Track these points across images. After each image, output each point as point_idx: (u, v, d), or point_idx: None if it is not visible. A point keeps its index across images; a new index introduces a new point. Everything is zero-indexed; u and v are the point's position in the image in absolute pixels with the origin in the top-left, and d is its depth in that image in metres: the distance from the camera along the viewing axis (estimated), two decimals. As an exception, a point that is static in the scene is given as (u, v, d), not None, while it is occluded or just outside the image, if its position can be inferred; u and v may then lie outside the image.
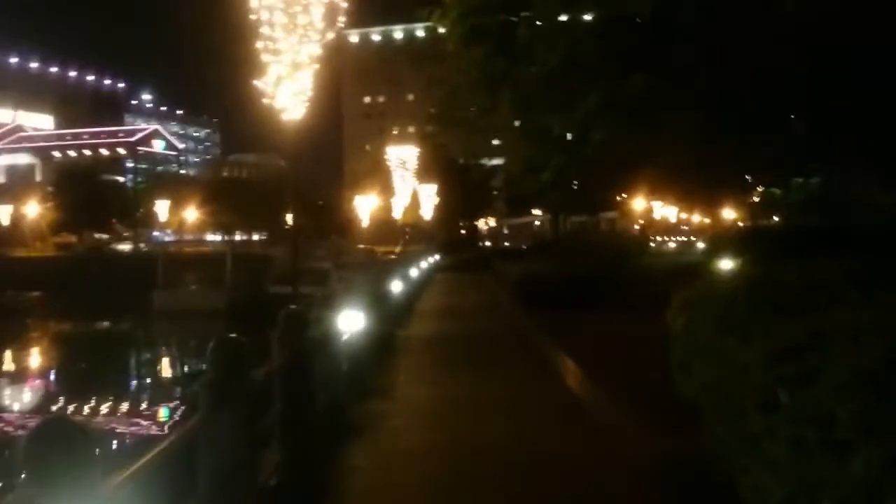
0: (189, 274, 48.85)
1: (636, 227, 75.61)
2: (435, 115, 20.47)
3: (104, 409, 23.37)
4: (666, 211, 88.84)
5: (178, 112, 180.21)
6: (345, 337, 8.75)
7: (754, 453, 4.83)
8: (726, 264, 24.88)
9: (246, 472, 4.02)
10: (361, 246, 60.56)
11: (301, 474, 5.69)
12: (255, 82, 9.61)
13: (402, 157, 48.43)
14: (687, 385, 7.64)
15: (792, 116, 24.04)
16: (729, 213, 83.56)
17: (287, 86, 9.45)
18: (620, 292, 19.85)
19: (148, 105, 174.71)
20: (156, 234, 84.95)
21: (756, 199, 55.23)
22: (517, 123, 18.90)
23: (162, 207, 69.67)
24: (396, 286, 17.14)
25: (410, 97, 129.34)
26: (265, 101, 9.69)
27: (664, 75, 12.86)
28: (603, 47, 13.43)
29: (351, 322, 8.94)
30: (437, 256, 46.41)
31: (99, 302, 48.13)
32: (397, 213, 57.45)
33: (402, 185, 49.94)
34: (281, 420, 5.76)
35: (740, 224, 72.13)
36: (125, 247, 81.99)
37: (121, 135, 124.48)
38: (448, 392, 9.54)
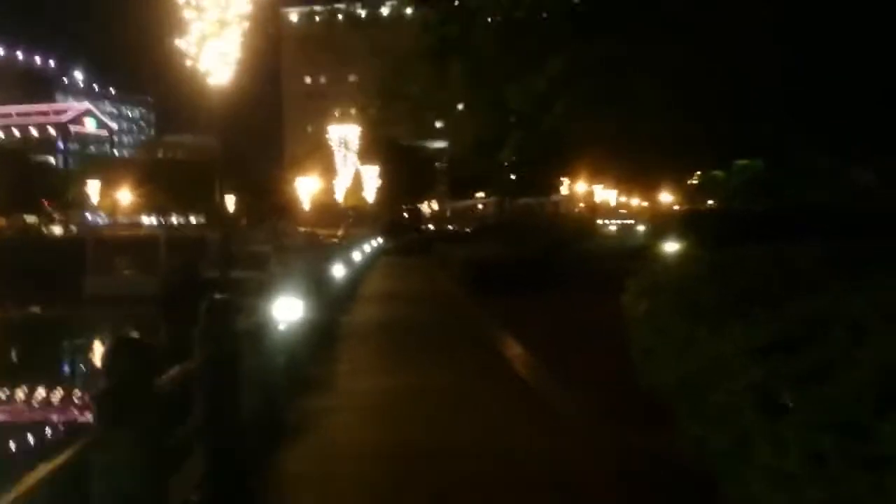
0: (122, 258, 47.11)
1: (578, 209, 75.89)
2: (379, 90, 19.36)
3: (37, 397, 22.54)
4: (606, 194, 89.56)
5: (112, 91, 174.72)
6: (281, 327, 8.00)
7: (749, 460, 4.29)
8: (671, 247, 24.79)
9: (151, 499, 3.29)
10: (303, 229, 59.28)
11: (226, 488, 4.97)
12: (177, 42, 8.72)
13: (344, 136, 47.39)
14: (652, 376, 7.12)
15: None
16: (666, 197, 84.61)
17: (212, 45, 8.58)
18: (567, 275, 19.48)
19: (80, 84, 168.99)
20: (88, 216, 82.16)
21: (694, 181, 55.79)
22: (468, 99, 18.07)
23: (93, 188, 67.22)
24: (338, 270, 16.39)
25: (352, 78, 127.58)
26: (188, 62, 8.81)
27: (635, 41, 12.22)
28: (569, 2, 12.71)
29: (289, 310, 8.19)
30: (380, 240, 45.63)
31: (26, 287, 46.19)
32: (339, 196, 56.41)
33: (343, 166, 48.93)
34: (203, 427, 5.03)
35: (677, 207, 73.09)
36: (55, 229, 79.08)
37: (51, 114, 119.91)
38: (394, 384, 8.88)
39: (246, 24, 8.92)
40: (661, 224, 27.63)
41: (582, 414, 7.41)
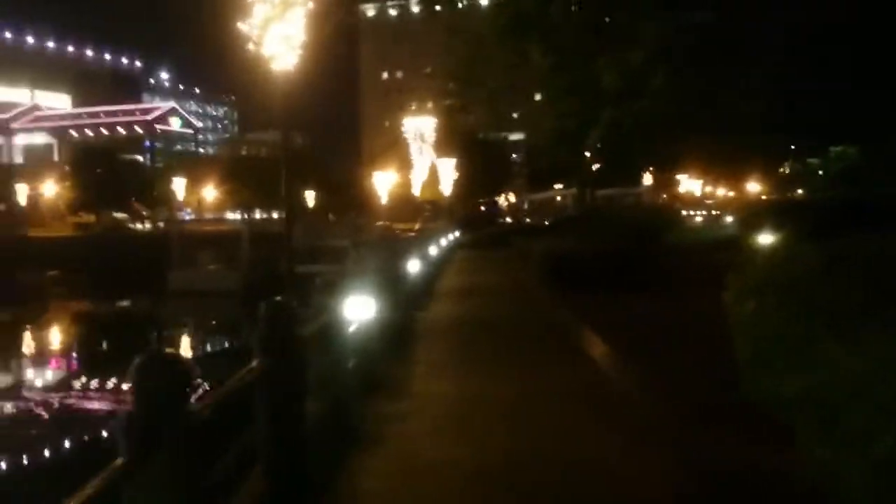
0: (206, 253, 48.00)
1: (662, 200, 73.87)
2: (454, 75, 18.50)
3: (125, 387, 23.20)
4: (691, 184, 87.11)
5: (196, 90, 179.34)
6: (353, 326, 7.52)
7: (892, 493, 3.55)
8: (765, 238, 23.47)
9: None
10: (380, 223, 59.35)
11: (289, 510, 4.48)
12: (240, 25, 8.33)
13: (420, 129, 47.01)
14: (762, 387, 6.34)
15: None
16: (753, 187, 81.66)
17: (275, 29, 8.15)
18: (655, 270, 18.48)
19: (166, 84, 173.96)
20: (178, 213, 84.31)
21: (785, 170, 53.53)
22: (547, 84, 17.16)
23: (179, 186, 68.84)
24: (414, 265, 15.91)
25: (429, 70, 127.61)
26: (251, 46, 8.41)
27: (737, 12, 11.23)
28: None
29: (361, 308, 7.71)
30: (456, 233, 45.15)
31: (116, 282, 47.59)
32: (416, 190, 56.20)
33: (419, 159, 48.57)
34: (264, 440, 4.55)
35: (764, 197, 70.36)
36: (144, 226, 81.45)
37: (137, 113, 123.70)
38: (473, 389, 8.26)
39: (311, 5, 8.44)
40: (753, 214, 26.29)
41: (682, 426, 6.66)
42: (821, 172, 52.10)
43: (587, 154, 29.67)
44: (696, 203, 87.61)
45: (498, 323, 13.30)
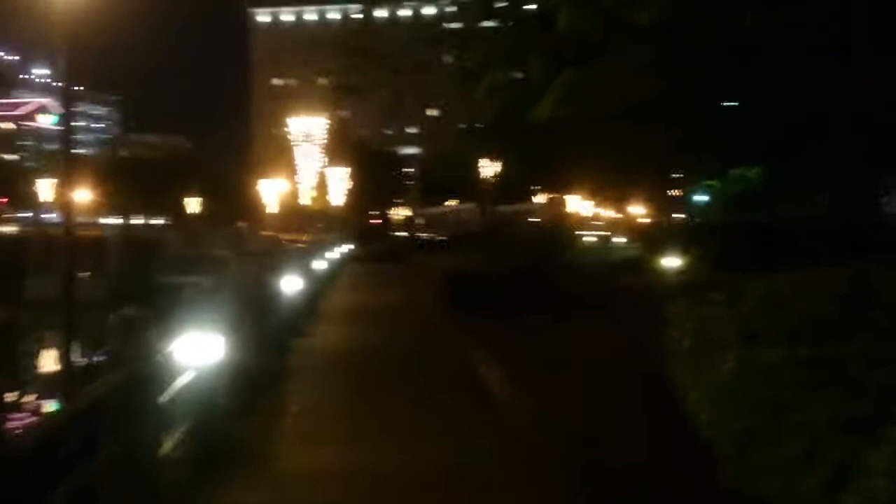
0: (72, 259, 43.75)
1: (549, 219, 73.66)
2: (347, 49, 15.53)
3: None
4: (579, 205, 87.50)
5: (78, 88, 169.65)
6: (185, 377, 5.30)
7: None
8: (670, 262, 22.31)
9: None
10: (266, 233, 56.23)
11: None
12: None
13: (308, 130, 44.20)
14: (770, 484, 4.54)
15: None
16: (636, 209, 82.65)
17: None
18: (559, 292, 16.83)
19: (42, 80, 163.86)
20: (46, 215, 78.34)
21: (675, 192, 53.80)
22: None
23: (45, 186, 63.46)
24: (296, 282, 13.69)
25: (323, 81, 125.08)
26: None
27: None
28: None
29: (203, 350, 5.50)
30: (349, 246, 42.92)
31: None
32: (306, 199, 53.53)
33: (305, 163, 45.74)
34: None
35: (646, 220, 71.28)
36: (5, 228, 75.11)
37: (5, 108, 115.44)
38: (359, 459, 6.09)
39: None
40: (658, 236, 25.27)
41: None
42: (701, 198, 52.40)
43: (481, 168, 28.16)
44: (583, 223, 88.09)
45: (392, 355, 11.14)
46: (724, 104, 22.41)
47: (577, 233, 56.27)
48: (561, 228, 44.38)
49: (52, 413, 7.46)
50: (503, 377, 9.53)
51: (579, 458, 5.96)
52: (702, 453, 5.44)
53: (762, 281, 7.04)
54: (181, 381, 5.24)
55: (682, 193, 53.35)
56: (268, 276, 12.18)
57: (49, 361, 29.31)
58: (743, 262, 17.06)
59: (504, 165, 29.46)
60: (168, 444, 4.60)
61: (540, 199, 75.42)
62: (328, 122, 43.92)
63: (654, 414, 6.79)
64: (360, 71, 13.20)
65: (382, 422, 7.28)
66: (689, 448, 5.72)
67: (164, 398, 4.69)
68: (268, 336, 9.51)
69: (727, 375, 5.45)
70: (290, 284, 13.62)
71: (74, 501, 3.28)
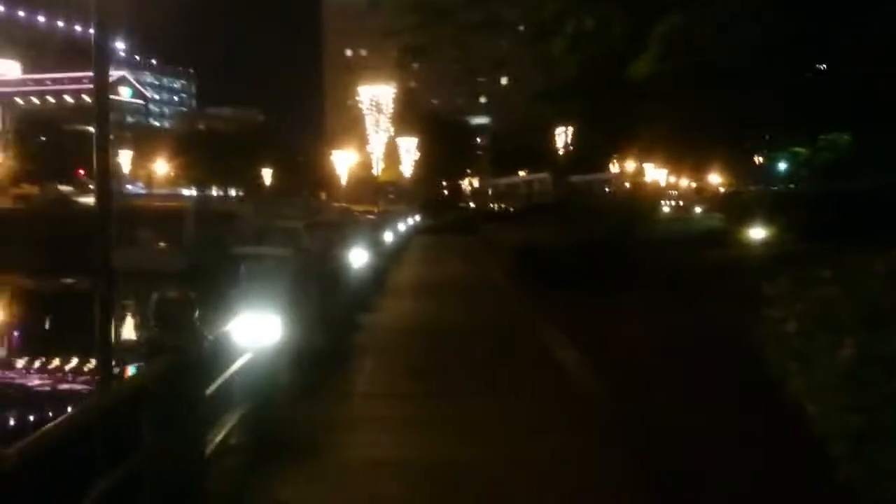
0: (149, 231, 44.82)
1: (626, 190, 72.00)
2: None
3: (69, 367, 21.87)
4: (656, 174, 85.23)
5: (153, 61, 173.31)
6: (243, 359, 4.91)
7: None
8: (756, 234, 21.18)
9: None
10: (337, 204, 56.47)
11: None
12: None
13: (377, 98, 43.68)
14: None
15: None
16: (714, 178, 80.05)
17: None
18: (639, 266, 16.01)
19: (122, 53, 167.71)
20: (129, 187, 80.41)
21: (760, 159, 51.79)
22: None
23: (125, 158, 65.13)
24: (364, 255, 13.32)
25: (394, 52, 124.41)
26: None
27: None
28: None
29: (263, 331, 5.10)
30: (418, 217, 42.60)
31: (56, 257, 44.52)
32: (377, 171, 53.47)
33: (375, 133, 45.36)
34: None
35: (723, 189, 69.01)
36: (88, 199, 77.39)
37: (85, 81, 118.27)
38: (434, 449, 5.61)
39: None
40: (740, 207, 24.12)
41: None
42: (781, 167, 50.07)
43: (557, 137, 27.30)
44: (660, 193, 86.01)
45: (464, 334, 10.53)
46: (823, 66, 21.02)
47: (655, 203, 54.85)
48: (638, 198, 43.16)
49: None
50: (565, 349, 8.90)
51: (678, 464, 5.35)
52: (810, 449, 4.81)
53: (885, 257, 6.27)
54: (237, 364, 4.85)
55: (762, 162, 51.34)
56: (336, 248, 11.81)
57: (128, 330, 30.19)
58: (835, 234, 16.01)
59: (579, 132, 28.57)
60: (219, 434, 4.20)
61: (615, 168, 73.76)
62: (395, 90, 43.36)
63: (755, 404, 6.13)
64: (423, 28, 12.46)
65: (450, 404, 6.82)
66: (795, 443, 5.09)
67: (216, 385, 4.30)
68: (334, 312, 9.13)
69: (844, 364, 4.78)
70: (359, 257, 13.26)
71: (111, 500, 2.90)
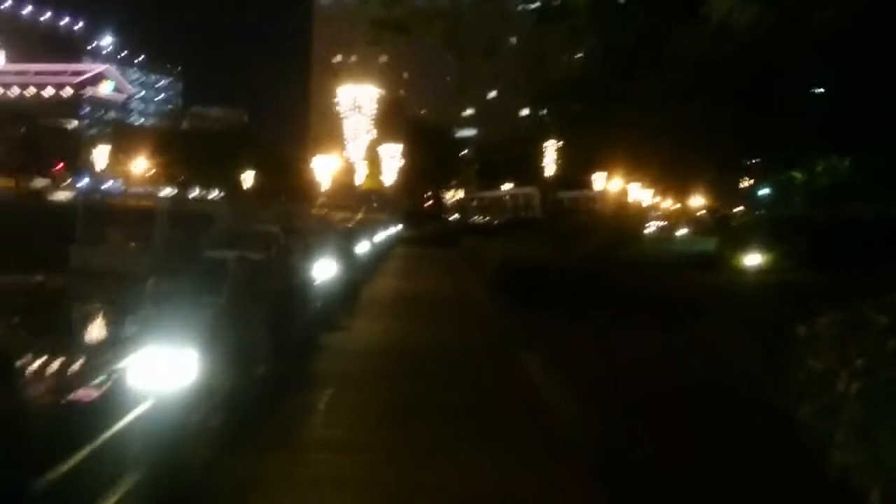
0: (118, 229, 43.18)
1: (607, 208, 71.19)
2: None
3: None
4: (640, 194, 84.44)
5: (141, 58, 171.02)
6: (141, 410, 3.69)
7: None
8: (751, 260, 20.09)
9: None
10: (316, 211, 55.10)
11: None
12: None
13: (357, 99, 42.38)
14: None
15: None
16: (696, 200, 79.33)
17: None
18: (631, 289, 14.83)
19: (107, 49, 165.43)
20: (107, 184, 78.59)
21: (748, 182, 50.99)
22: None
23: (101, 154, 63.50)
24: (333, 267, 12.13)
25: (383, 59, 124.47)
26: None
27: None
28: None
29: (171, 369, 3.87)
30: (399, 227, 41.41)
31: (14, 253, 42.66)
32: (359, 177, 52.25)
33: (355, 136, 44.07)
34: None
35: (703, 212, 68.41)
36: (64, 195, 75.59)
37: (67, 74, 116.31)
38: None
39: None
40: (736, 231, 23.14)
41: None
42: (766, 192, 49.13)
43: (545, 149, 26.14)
44: (642, 214, 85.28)
45: (435, 364, 9.11)
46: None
47: (640, 223, 53.98)
48: (624, 218, 42.27)
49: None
50: (555, 382, 7.67)
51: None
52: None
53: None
54: (133, 415, 3.64)
55: (749, 185, 50.53)
56: (301, 258, 10.62)
57: (96, 330, 28.61)
58: (844, 262, 14.97)
59: (567, 147, 27.54)
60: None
61: (600, 185, 72.86)
62: (380, 91, 42.20)
63: (787, 480, 4.96)
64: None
65: (419, 469, 5.36)
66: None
67: (94, 446, 3.08)
68: (292, 333, 7.92)
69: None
70: (329, 268, 12.08)
71: None
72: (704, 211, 71.28)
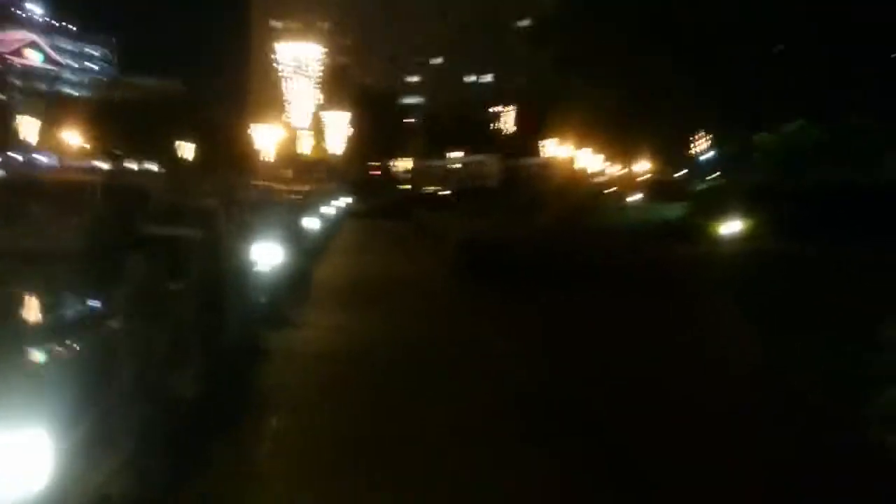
0: (44, 206, 40.69)
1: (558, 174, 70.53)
2: None
3: None
4: (589, 160, 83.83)
5: (72, 27, 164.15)
6: None
7: None
8: (729, 228, 19.01)
9: None
10: (259, 183, 53.11)
11: None
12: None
13: (300, 58, 40.17)
14: None
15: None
16: (641, 166, 78.99)
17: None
18: (601, 263, 13.63)
19: (38, 18, 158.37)
20: (40, 157, 74.95)
21: (699, 147, 50.44)
22: None
23: (30, 127, 60.23)
24: (278, 248, 10.66)
25: (326, 24, 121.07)
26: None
27: None
28: None
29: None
30: (347, 199, 39.81)
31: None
32: (304, 147, 50.29)
33: (298, 100, 42.03)
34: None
35: (648, 176, 68.20)
36: (-9, 171, 71.91)
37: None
38: None
39: None
40: (709, 198, 22.17)
41: None
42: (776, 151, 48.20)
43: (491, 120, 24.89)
44: (592, 179, 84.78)
45: (406, 363, 7.66)
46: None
47: (596, 190, 53.00)
48: (580, 185, 41.23)
49: None
50: (530, 376, 6.36)
51: None
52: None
53: None
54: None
55: (700, 150, 49.97)
56: (241, 239, 9.13)
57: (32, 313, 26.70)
58: (838, 231, 14.03)
59: (519, 112, 26.38)
60: None
61: (550, 152, 71.99)
62: (323, 49, 40.16)
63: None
64: None
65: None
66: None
67: None
68: (224, 334, 6.48)
69: None
70: (275, 250, 10.60)
71: None
72: (649, 176, 70.99)
